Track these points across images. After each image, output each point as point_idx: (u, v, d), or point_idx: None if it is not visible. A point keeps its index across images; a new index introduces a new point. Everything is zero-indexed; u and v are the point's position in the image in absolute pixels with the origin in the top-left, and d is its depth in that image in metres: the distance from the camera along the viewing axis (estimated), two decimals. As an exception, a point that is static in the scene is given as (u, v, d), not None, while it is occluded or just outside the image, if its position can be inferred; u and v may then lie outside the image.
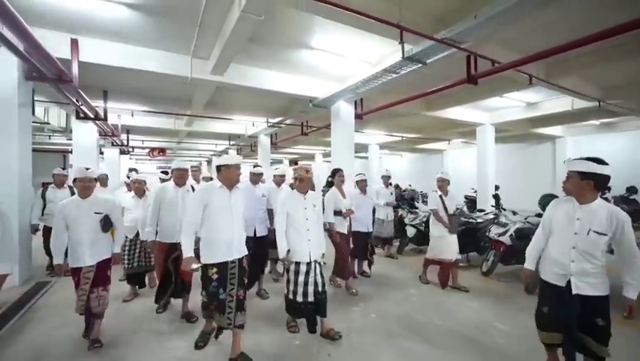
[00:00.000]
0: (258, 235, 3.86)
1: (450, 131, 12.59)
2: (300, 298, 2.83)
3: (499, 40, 4.85)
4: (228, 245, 2.53)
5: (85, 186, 2.74)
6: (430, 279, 4.49)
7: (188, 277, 3.27)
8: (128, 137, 12.07)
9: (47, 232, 4.54)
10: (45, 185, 5.06)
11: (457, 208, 4.38)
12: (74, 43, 4.58)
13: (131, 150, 14.74)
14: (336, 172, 4.18)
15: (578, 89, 6.44)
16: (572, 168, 2.14)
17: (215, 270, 2.48)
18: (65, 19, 4.33)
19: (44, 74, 4.42)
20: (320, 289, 2.87)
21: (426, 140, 14.69)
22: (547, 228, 2.30)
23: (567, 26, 4.38)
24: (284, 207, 2.91)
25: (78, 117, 7.11)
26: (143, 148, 16.15)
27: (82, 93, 5.32)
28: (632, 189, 9.36)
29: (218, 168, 2.58)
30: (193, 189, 3.39)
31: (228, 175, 2.57)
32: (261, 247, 3.91)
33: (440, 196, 4.32)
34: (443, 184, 4.38)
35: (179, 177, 3.35)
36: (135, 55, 5.14)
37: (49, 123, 8.70)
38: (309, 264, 2.86)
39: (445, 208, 4.28)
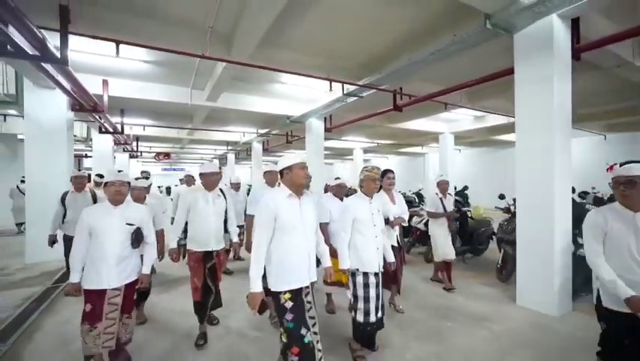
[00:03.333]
0: None
1: (422, 138, 14.18)
2: (373, 318, 2.47)
3: (422, 77, 6.46)
4: (301, 268, 2.06)
5: (117, 191, 2.30)
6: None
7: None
8: (137, 143, 13.81)
9: (69, 241, 3.68)
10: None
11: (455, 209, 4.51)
12: (105, 82, 6.25)
13: (139, 154, 16.54)
14: (384, 174, 3.51)
15: (499, 108, 8.01)
16: (635, 172, 1.88)
17: (288, 296, 2.02)
18: (100, 68, 6.02)
19: (84, 106, 6.10)
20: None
21: (403, 145, 16.29)
22: (600, 241, 1.96)
23: (464, 70, 5.93)
24: (349, 213, 2.54)
25: (100, 132, 8.80)
26: (150, 153, 17.93)
27: (109, 117, 7.02)
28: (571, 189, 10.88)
29: (281, 173, 2.13)
30: (222, 193, 3.11)
31: (293, 179, 2.07)
32: None
33: (440, 198, 4.43)
34: (445, 186, 4.48)
35: (210, 183, 2.96)
36: (148, 89, 6.85)
37: (75, 135, 10.41)
38: (377, 275, 2.54)
39: (445, 209, 4.40)
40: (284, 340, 2.03)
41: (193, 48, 4.36)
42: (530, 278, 3.63)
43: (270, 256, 2.05)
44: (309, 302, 2.12)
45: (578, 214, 4.05)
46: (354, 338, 2.62)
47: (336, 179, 3.78)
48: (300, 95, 7.83)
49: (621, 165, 2.02)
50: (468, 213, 5.92)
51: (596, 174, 12.07)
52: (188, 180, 5.99)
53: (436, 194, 4.50)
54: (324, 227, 3.20)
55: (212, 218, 2.94)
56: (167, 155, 18.65)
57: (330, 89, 5.12)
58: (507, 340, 2.99)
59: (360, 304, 2.49)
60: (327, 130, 8.93)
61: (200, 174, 2.98)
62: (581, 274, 3.85)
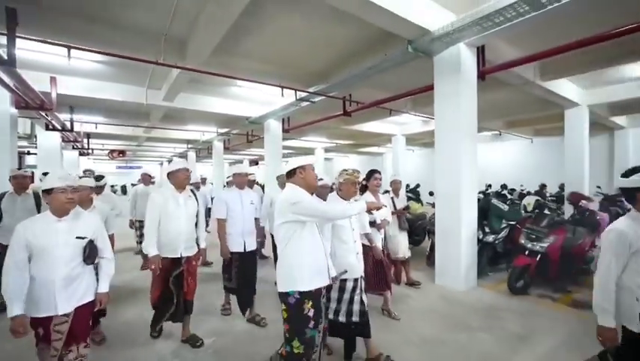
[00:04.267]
0: (247, 249, 3.28)
1: (377, 139, 15.07)
2: (342, 318, 2.41)
3: (369, 85, 7.09)
4: (322, 267, 2.02)
5: (70, 200, 1.89)
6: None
7: (191, 296, 2.83)
8: (88, 141, 13.17)
9: (5, 250, 3.16)
10: None
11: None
12: (53, 80, 6.11)
13: (90, 152, 15.69)
14: (371, 174, 3.48)
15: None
16: None
17: (310, 303, 1.91)
18: (49, 66, 5.91)
19: (30, 103, 5.94)
20: (365, 308, 2.47)
21: (361, 145, 17.16)
22: (622, 262, 1.71)
23: (408, 79, 6.61)
24: None
25: (47, 129, 8.43)
26: (103, 150, 17.07)
27: (57, 115, 6.83)
28: (503, 186, 12.29)
29: (293, 172, 2.06)
30: (194, 194, 2.89)
31: (307, 179, 2.05)
32: (252, 264, 3.39)
33: (392, 198, 4.46)
34: (397, 186, 4.57)
35: (180, 183, 2.74)
36: (101, 88, 6.79)
37: (17, 133, 9.80)
38: (356, 280, 2.45)
39: (395, 208, 4.39)
40: (298, 350, 1.88)
41: (148, 54, 4.55)
42: (444, 261, 4.36)
43: (288, 256, 1.95)
44: (323, 302, 2.05)
45: (485, 207, 4.89)
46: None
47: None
48: (258, 97, 8.15)
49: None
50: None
51: (523, 173, 13.76)
52: (145, 179, 5.88)
53: (387, 192, 4.66)
54: None
55: (184, 222, 2.72)
56: (122, 152, 17.80)
57: (282, 95, 5.54)
58: (420, 310, 3.65)
59: (333, 305, 2.43)
60: (285, 131, 9.33)
61: (169, 174, 2.74)
62: (486, 256, 4.70)
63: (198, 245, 2.91)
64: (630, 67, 6.11)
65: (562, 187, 10.18)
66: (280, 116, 8.68)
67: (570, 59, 5.45)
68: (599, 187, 9.49)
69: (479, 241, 4.58)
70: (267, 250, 5.78)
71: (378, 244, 3.23)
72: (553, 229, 4.15)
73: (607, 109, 9.11)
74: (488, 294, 4.15)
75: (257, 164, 22.85)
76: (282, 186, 3.97)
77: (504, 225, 4.79)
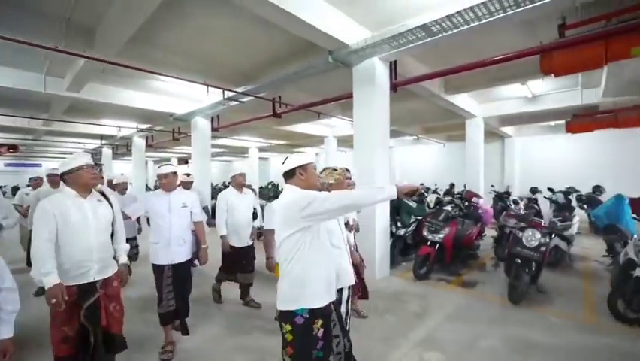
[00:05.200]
0: (176, 261, 2.83)
1: (310, 140, 15.49)
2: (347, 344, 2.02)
3: (298, 88, 7.30)
4: (332, 279, 1.81)
5: None
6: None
7: (118, 327, 2.25)
8: (-37, 133, 10.85)
9: None
10: None
11: None
12: None
13: (-34, 146, 12.87)
14: None
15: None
16: None
17: (320, 323, 1.67)
18: None
19: None
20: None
21: (295, 145, 17.45)
22: None
23: (337, 83, 7.00)
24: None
25: None
26: (-15, 144, 14.14)
27: None
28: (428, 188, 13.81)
29: (292, 172, 1.80)
30: (105, 196, 2.31)
31: (310, 180, 1.81)
32: (184, 275, 2.94)
33: None
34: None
35: (83, 184, 2.13)
36: (-18, 70, 5.69)
37: None
38: (349, 288, 2.24)
39: None
40: None
41: (43, 37, 4.01)
42: (361, 254, 4.77)
43: (296, 269, 1.67)
44: (333, 319, 1.80)
45: (397, 204, 5.49)
46: None
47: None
48: (184, 92, 7.74)
49: None
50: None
51: (438, 173, 15.66)
52: (52, 181, 4.55)
53: None
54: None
55: (94, 234, 2.11)
56: (13, 147, 14.98)
57: (207, 93, 5.40)
58: (338, 301, 3.97)
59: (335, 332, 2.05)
60: (214, 129, 9.02)
61: (65, 175, 2.10)
62: (398, 248, 5.29)
63: (117, 261, 2.32)
64: (514, 87, 7.44)
65: (465, 186, 11.94)
66: (208, 114, 8.37)
67: (467, 78, 6.45)
68: (492, 186, 11.31)
69: (392, 234, 5.14)
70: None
71: (351, 245, 3.12)
72: (448, 221, 4.89)
73: (498, 121, 10.89)
74: (398, 281, 4.70)
75: (186, 162, 21.46)
76: (237, 187, 3.71)
77: (413, 220, 5.44)
